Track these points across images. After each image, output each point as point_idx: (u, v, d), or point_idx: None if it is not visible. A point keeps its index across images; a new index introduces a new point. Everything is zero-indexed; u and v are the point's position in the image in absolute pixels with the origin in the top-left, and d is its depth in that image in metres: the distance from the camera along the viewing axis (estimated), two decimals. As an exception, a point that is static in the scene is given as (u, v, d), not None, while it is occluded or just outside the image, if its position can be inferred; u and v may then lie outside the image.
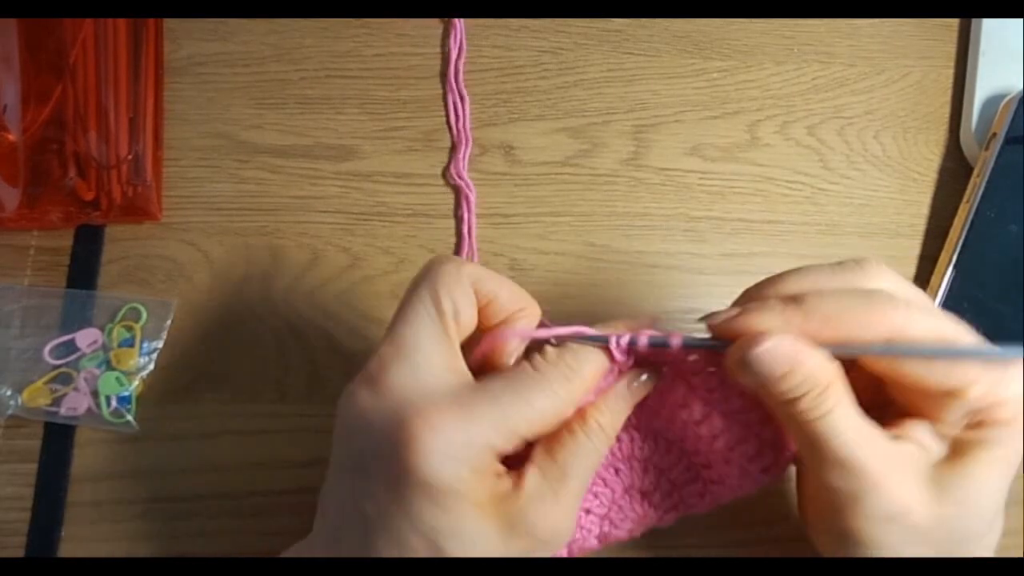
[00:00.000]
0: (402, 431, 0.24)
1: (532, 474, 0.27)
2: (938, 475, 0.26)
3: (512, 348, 0.28)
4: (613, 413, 0.28)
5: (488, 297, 0.28)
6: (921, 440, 0.26)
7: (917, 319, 0.25)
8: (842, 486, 0.25)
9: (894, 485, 0.25)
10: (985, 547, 0.27)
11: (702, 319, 0.28)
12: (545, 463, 0.27)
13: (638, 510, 0.31)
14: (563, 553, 0.31)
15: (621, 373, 0.29)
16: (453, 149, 0.42)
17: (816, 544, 0.30)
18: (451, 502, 0.25)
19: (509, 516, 0.26)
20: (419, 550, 0.25)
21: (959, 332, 0.26)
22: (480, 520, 0.25)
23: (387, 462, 0.25)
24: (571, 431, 0.27)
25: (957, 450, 0.26)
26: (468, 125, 0.42)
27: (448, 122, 0.43)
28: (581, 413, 0.28)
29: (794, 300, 0.26)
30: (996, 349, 0.25)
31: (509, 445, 0.26)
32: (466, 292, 0.27)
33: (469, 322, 0.28)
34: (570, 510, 0.27)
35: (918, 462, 0.26)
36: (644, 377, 0.29)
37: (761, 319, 0.26)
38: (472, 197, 0.41)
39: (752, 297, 0.28)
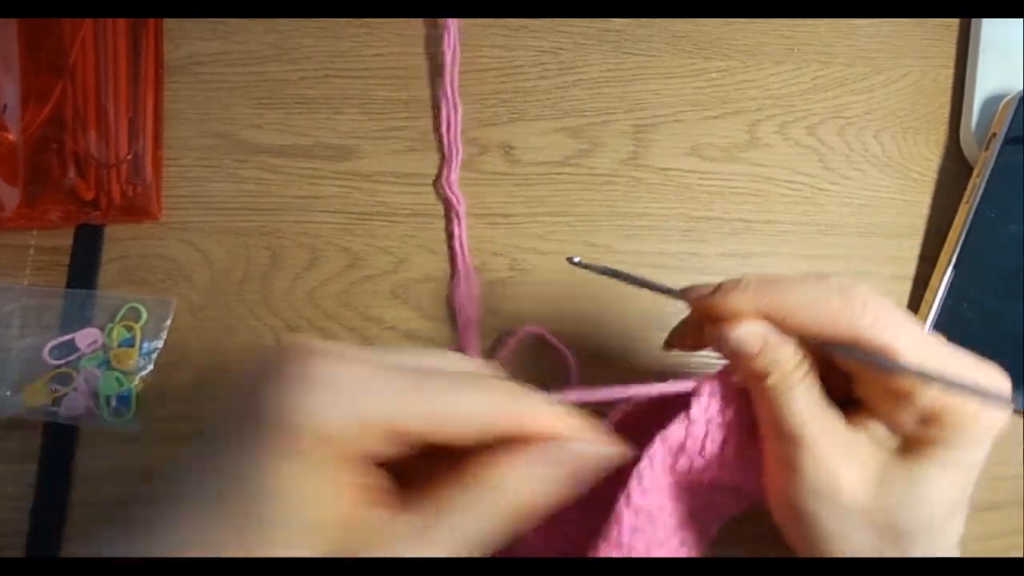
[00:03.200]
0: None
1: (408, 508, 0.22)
2: (886, 467, 0.27)
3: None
4: (530, 476, 0.23)
5: (423, 433, 0.22)
6: (874, 432, 0.28)
7: (887, 325, 0.26)
8: (786, 456, 0.27)
9: (831, 461, 0.27)
10: (943, 546, 0.28)
11: (681, 291, 0.29)
12: (423, 499, 0.23)
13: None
14: None
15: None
16: (444, 160, 0.42)
17: (781, 531, 0.30)
18: (292, 455, 0.20)
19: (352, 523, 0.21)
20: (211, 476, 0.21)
21: (940, 354, 0.27)
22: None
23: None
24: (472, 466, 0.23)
25: (907, 447, 0.27)
26: (459, 135, 0.42)
27: (440, 131, 0.42)
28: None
29: (770, 282, 0.28)
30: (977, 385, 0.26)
31: (391, 428, 0.21)
32: (363, 439, 0.21)
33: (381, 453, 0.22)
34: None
35: (867, 451, 0.27)
36: (594, 449, 0.25)
37: (733, 297, 0.27)
38: (462, 211, 0.41)
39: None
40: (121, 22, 0.40)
